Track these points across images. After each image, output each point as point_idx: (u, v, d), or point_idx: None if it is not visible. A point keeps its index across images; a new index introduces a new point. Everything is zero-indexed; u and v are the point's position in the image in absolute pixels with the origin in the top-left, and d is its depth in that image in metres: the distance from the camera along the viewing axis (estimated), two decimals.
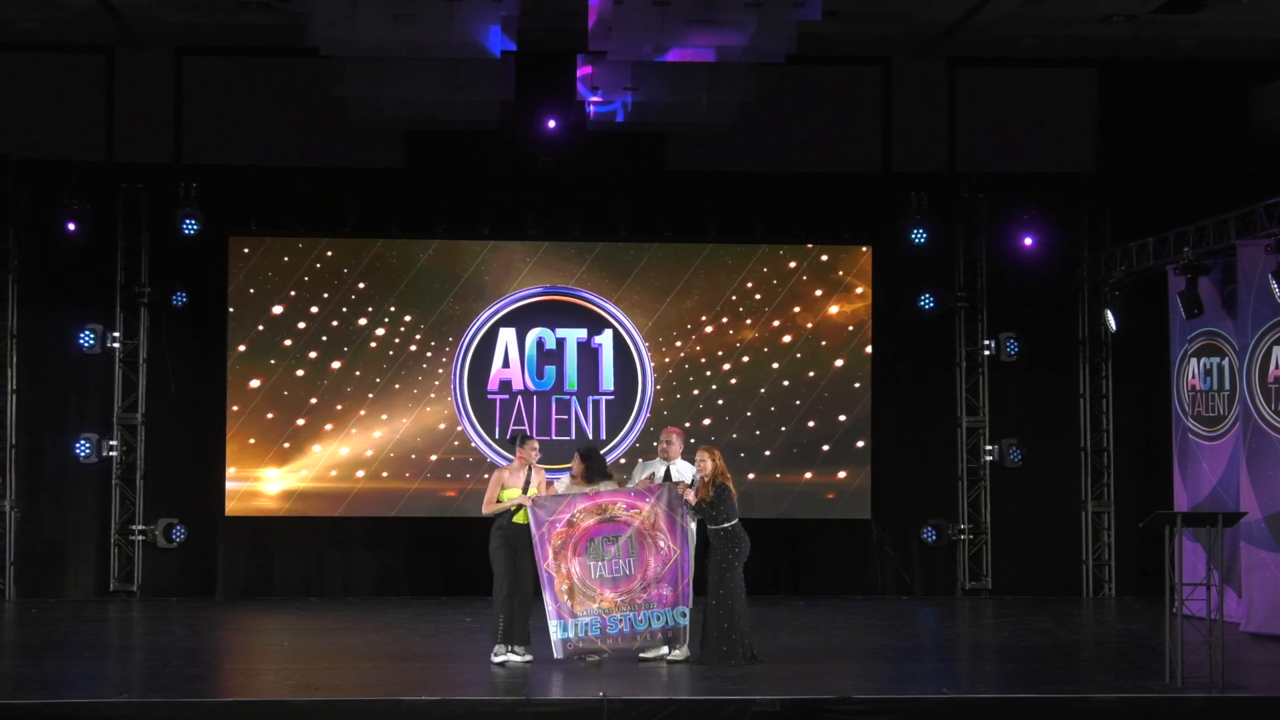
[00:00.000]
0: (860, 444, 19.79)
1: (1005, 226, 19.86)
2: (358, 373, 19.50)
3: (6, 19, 18.37)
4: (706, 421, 19.60)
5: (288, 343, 19.45)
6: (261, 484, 19.40)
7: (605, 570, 13.78)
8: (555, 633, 13.75)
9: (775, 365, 19.78)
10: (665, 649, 13.93)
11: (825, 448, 19.75)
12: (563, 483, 14.37)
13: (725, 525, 13.74)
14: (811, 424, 19.75)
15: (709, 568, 13.80)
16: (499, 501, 14.03)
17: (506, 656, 13.86)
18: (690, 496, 13.80)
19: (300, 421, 19.42)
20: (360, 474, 19.46)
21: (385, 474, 19.46)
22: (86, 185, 19.02)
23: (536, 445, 14.36)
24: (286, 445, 19.42)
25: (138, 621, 17.91)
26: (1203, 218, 17.37)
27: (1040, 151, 20.21)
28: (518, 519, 13.98)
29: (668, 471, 14.31)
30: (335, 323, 19.47)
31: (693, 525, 14.04)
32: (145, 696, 12.37)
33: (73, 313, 19.35)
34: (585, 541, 13.79)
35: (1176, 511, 15.84)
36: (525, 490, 14.02)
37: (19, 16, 18.31)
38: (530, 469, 14.13)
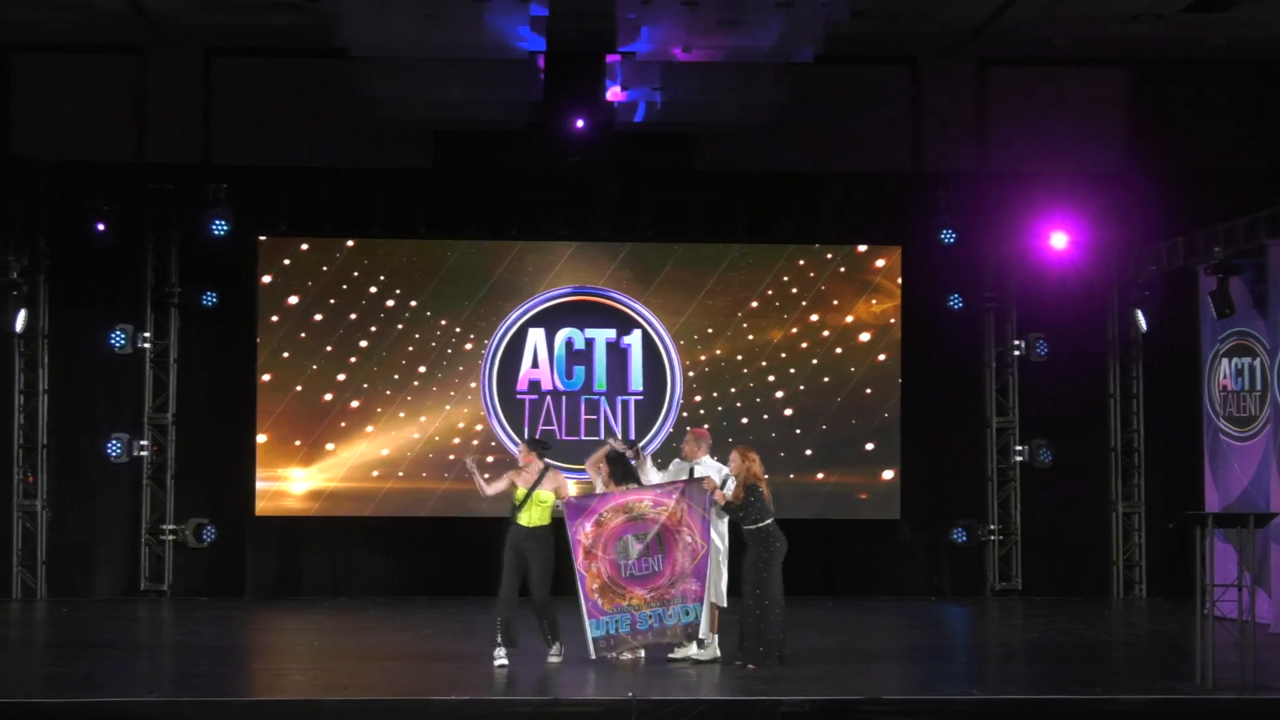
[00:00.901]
0: (889, 444, 19.75)
1: (1035, 226, 19.79)
2: (387, 373, 19.53)
3: (37, 20, 18.44)
4: (735, 422, 19.58)
5: (317, 343, 19.49)
6: (291, 484, 19.44)
7: (634, 568, 13.79)
8: (589, 631, 13.77)
9: (804, 366, 19.76)
10: (693, 648, 13.92)
11: (854, 448, 19.72)
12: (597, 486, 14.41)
13: (759, 525, 13.72)
14: (840, 424, 19.72)
15: (744, 568, 13.79)
16: (514, 497, 14.09)
17: (504, 661, 13.82)
18: (719, 497, 13.79)
19: (329, 422, 19.45)
20: (389, 474, 19.49)
21: (414, 474, 19.48)
22: (117, 186, 19.08)
23: (523, 448, 14.41)
24: (315, 445, 19.44)
25: (168, 621, 17.97)
26: (1233, 217, 17.29)
27: (1070, 151, 20.13)
28: (520, 519, 13.98)
29: (691, 471, 14.28)
30: (364, 323, 19.50)
31: (724, 525, 14.04)
32: (175, 695, 12.41)
33: (103, 313, 19.41)
34: (614, 540, 13.81)
35: (1207, 512, 15.78)
36: (531, 491, 14.02)
37: (50, 18, 18.37)
38: (544, 471, 14.12)
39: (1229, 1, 17.79)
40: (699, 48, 17.01)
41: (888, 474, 19.74)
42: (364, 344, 19.51)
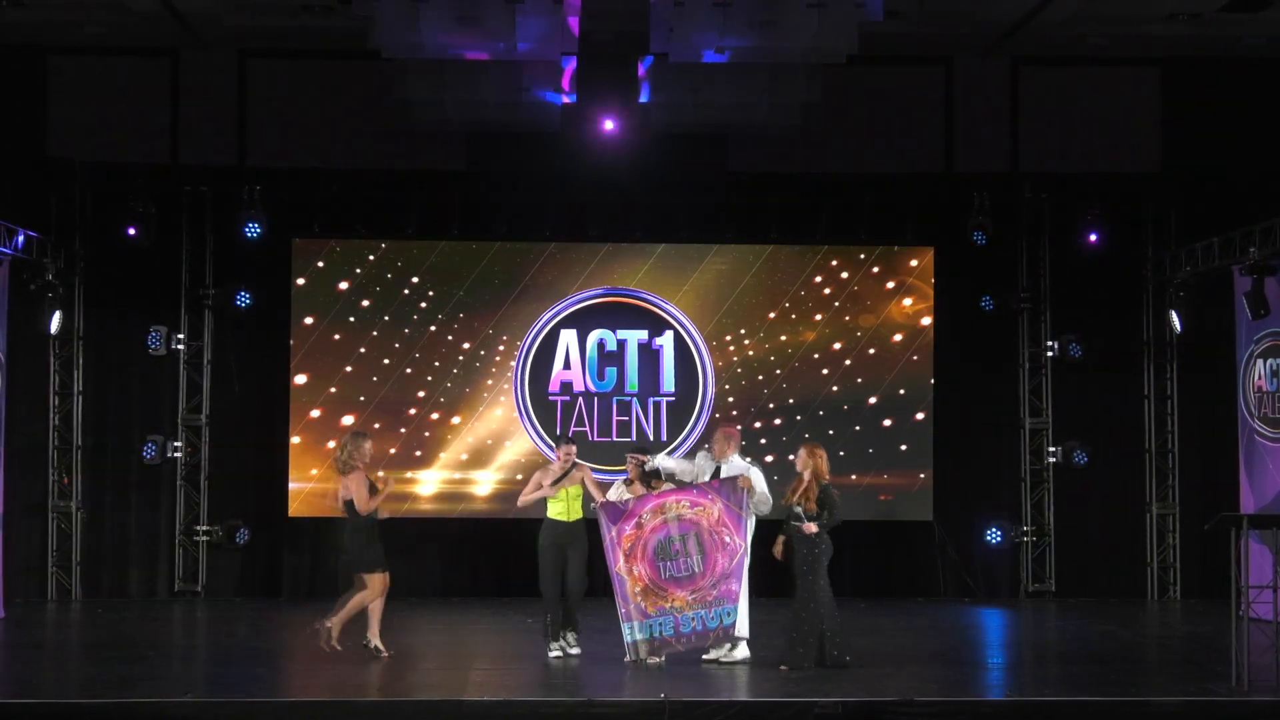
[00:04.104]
0: (922, 445, 19.72)
1: (1069, 227, 19.75)
2: (419, 374, 19.57)
3: (73, 23, 18.53)
4: (766, 423, 19.58)
5: (350, 344, 19.54)
6: (324, 485, 19.46)
7: (675, 569, 13.82)
8: (626, 636, 13.79)
9: (837, 366, 19.74)
10: (725, 647, 13.92)
11: (887, 449, 19.68)
12: (616, 488, 14.46)
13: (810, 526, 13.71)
14: (873, 426, 19.69)
15: (793, 569, 13.76)
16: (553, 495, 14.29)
17: (559, 651, 14.07)
18: (810, 528, 13.67)
19: (360, 422, 19.48)
20: (422, 475, 19.54)
21: (446, 475, 19.52)
22: (151, 188, 19.19)
23: (567, 450, 14.47)
24: None
25: (202, 622, 18.04)
26: (1269, 218, 17.22)
27: (1104, 151, 20.08)
28: (556, 515, 14.11)
29: (718, 469, 14.28)
30: (397, 324, 19.56)
31: (751, 523, 14.03)
32: (210, 696, 12.46)
33: (137, 315, 19.51)
34: (653, 543, 13.82)
35: (1242, 513, 15.71)
36: (561, 481, 14.25)
37: (86, 20, 18.47)
38: (572, 465, 14.23)
39: (1265, 1, 17.70)
40: (732, 49, 16.98)
41: (920, 475, 19.70)
42: (396, 345, 19.56)
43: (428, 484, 19.53)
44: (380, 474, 14.61)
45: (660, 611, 13.79)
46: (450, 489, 19.55)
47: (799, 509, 13.69)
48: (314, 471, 19.43)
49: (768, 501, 14.12)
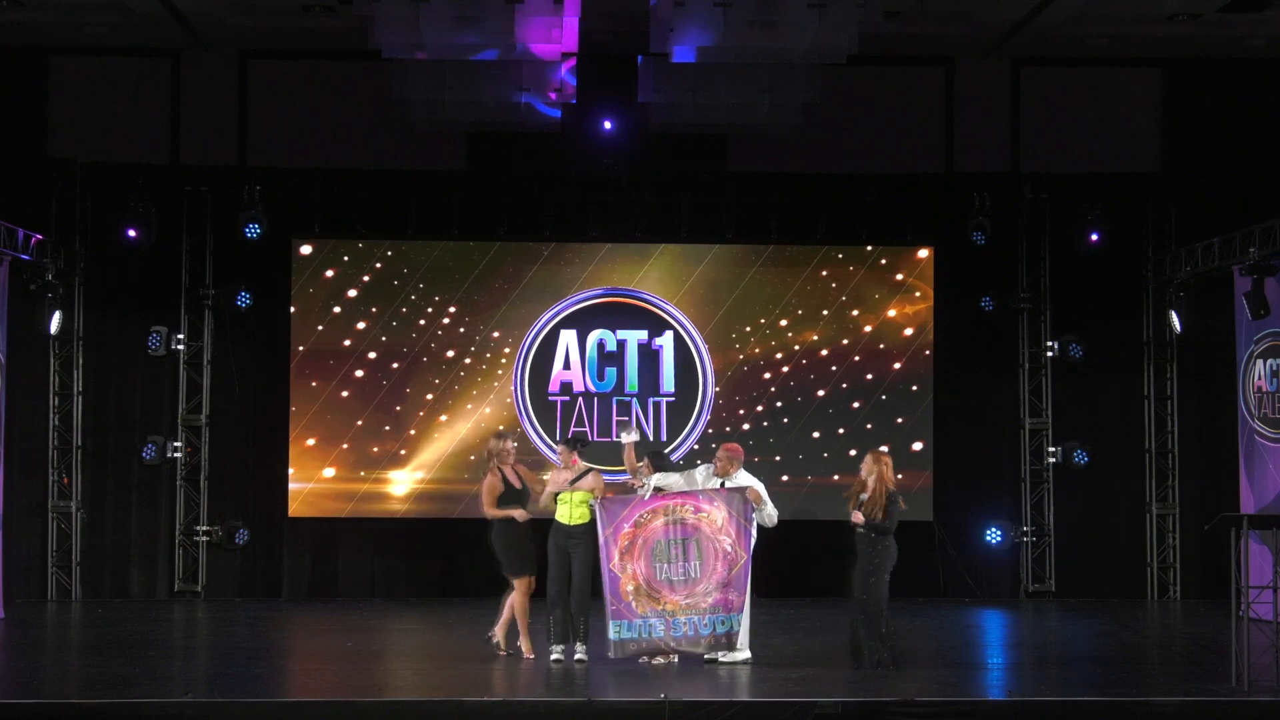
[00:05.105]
0: (922, 446, 19.73)
1: (1069, 227, 19.75)
2: (418, 374, 19.58)
3: (75, 24, 18.54)
4: (765, 424, 19.57)
5: (350, 344, 19.55)
6: (324, 485, 19.49)
7: (671, 572, 13.78)
8: (612, 633, 13.75)
9: (836, 367, 19.74)
10: (738, 654, 13.90)
11: (887, 449, 19.63)
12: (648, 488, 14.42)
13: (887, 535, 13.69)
14: (873, 426, 19.68)
15: (854, 572, 13.74)
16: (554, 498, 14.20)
17: (560, 655, 14.00)
18: (858, 518, 13.67)
19: (362, 423, 19.51)
20: (422, 475, 19.54)
21: (447, 475, 19.52)
22: (152, 188, 19.20)
23: (561, 449, 14.47)
24: (349, 447, 19.51)
25: (202, 622, 18.03)
26: (1269, 218, 17.21)
27: (1104, 152, 20.09)
28: (559, 517, 14.07)
29: (722, 485, 14.22)
30: (397, 324, 19.56)
31: (754, 530, 13.99)
32: (210, 696, 12.46)
33: (138, 315, 19.52)
34: (652, 543, 13.79)
35: (1243, 514, 15.71)
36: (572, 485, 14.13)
37: (87, 21, 18.47)
38: (585, 471, 14.17)
39: (1265, 1, 17.71)
40: (732, 49, 16.98)
41: (920, 475, 19.69)
42: (396, 345, 19.56)
43: (426, 484, 19.53)
44: (543, 476, 14.58)
45: (652, 613, 13.74)
46: (449, 488, 19.53)
47: (856, 509, 13.65)
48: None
49: (774, 517, 14.09)
